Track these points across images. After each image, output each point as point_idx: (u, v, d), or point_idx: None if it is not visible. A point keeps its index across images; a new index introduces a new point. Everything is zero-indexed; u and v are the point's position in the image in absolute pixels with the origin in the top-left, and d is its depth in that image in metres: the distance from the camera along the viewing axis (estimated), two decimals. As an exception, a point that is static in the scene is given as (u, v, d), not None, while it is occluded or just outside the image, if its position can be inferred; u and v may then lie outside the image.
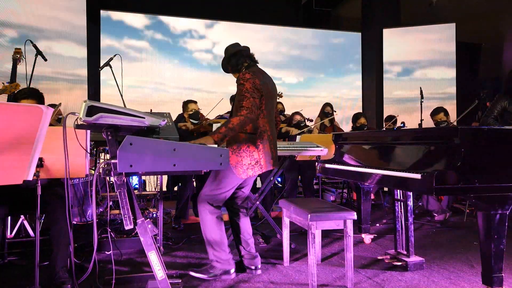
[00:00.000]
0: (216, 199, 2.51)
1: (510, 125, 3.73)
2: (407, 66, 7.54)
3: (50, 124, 2.94)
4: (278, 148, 2.99)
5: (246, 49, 2.65)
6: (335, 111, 5.39)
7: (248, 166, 2.42)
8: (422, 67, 7.47)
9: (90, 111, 1.56)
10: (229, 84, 7.10)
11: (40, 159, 2.10)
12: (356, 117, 5.30)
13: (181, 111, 4.47)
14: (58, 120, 3.79)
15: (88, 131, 2.20)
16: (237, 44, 2.68)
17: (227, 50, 2.67)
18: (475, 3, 7.53)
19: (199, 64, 7.18)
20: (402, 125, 5.40)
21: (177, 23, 7.07)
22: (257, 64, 2.65)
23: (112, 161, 1.72)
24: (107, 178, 1.82)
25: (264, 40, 7.51)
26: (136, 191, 4.48)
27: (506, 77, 4.07)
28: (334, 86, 7.93)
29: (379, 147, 2.79)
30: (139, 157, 1.63)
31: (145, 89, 6.82)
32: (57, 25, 5.86)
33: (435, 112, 4.62)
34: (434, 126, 4.61)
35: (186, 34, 7.17)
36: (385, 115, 7.19)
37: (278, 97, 4.27)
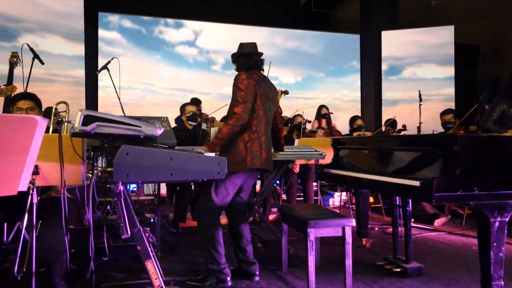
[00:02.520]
0: (215, 206, 2.49)
1: (509, 129, 3.72)
2: (405, 67, 7.53)
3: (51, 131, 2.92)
4: (277, 153, 2.99)
5: (260, 54, 2.63)
6: (331, 112, 5.38)
7: (234, 164, 2.42)
8: (420, 67, 7.47)
9: (86, 120, 1.55)
10: (224, 84, 7.01)
11: (36, 167, 2.08)
12: (353, 119, 5.30)
13: (175, 114, 4.50)
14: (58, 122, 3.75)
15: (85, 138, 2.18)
16: (254, 46, 2.64)
17: (243, 46, 2.64)
18: (473, 5, 7.54)
19: (186, 61, 6.81)
20: (403, 127, 5.39)
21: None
22: (261, 71, 2.65)
23: (109, 169, 1.70)
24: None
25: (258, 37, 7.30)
26: (133, 194, 4.46)
27: (505, 80, 4.05)
28: (333, 86, 7.87)
29: (377, 152, 2.77)
30: (136, 166, 1.61)
31: (136, 90, 6.45)
32: (43, 15, 5.36)
33: (445, 112, 4.65)
34: (441, 125, 4.65)
35: (160, 21, 6.58)
36: (384, 117, 7.19)
37: (284, 93, 4.28)
